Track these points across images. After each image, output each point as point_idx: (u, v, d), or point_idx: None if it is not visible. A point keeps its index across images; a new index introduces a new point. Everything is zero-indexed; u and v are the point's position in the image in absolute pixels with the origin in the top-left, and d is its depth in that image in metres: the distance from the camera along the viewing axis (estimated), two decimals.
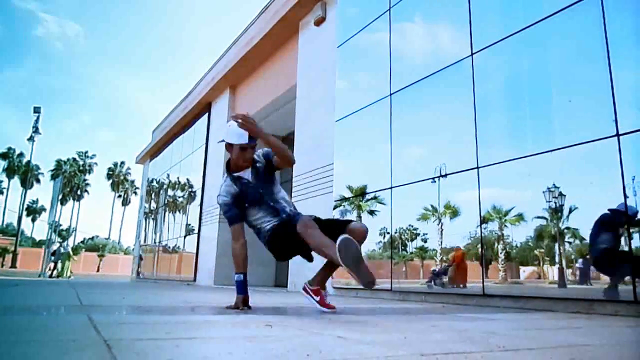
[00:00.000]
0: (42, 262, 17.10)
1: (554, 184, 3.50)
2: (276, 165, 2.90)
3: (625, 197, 2.99)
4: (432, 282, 5.17)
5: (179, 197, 13.11)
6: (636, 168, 2.98)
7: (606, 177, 3.14)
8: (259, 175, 2.87)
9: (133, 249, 17.94)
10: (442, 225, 4.60)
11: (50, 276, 15.98)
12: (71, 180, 61.06)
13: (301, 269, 6.64)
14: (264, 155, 2.93)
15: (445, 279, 4.83)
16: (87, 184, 64.22)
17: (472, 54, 4.38)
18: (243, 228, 2.86)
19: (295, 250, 2.81)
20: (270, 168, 2.91)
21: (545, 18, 3.75)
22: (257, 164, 2.90)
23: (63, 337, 1.41)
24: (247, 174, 2.86)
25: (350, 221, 2.82)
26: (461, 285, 4.61)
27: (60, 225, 57.65)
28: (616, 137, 3.08)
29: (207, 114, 11.77)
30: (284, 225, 2.77)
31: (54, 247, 17.34)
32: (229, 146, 2.81)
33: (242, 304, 2.73)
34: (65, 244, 18.18)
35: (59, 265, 16.20)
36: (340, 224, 2.74)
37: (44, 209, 59.73)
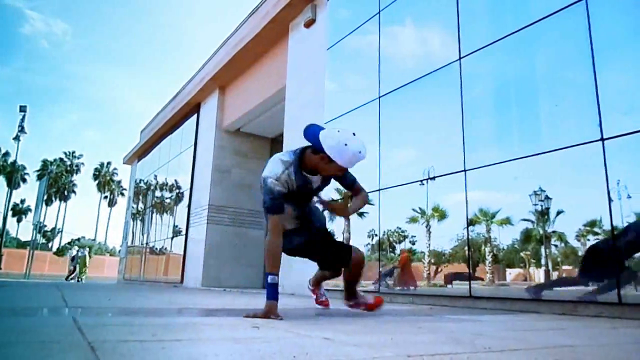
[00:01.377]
0: (26, 264, 17.07)
1: (540, 187, 3.55)
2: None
3: (610, 200, 3.04)
4: (379, 284, 5.43)
5: (167, 198, 13.01)
6: (620, 172, 3.03)
7: (591, 181, 3.19)
8: (320, 188, 2.70)
9: (119, 251, 17.90)
10: (430, 228, 4.63)
11: (66, 278, 16.69)
12: (57, 181, 60.25)
13: (288, 272, 6.62)
14: (346, 180, 2.73)
15: (391, 281, 5.06)
16: (74, 185, 63.43)
17: (460, 58, 4.42)
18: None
19: (309, 256, 3.05)
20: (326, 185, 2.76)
21: (533, 23, 3.80)
22: (328, 182, 2.70)
23: (47, 339, 1.39)
24: (315, 179, 2.60)
25: (352, 248, 2.94)
26: (411, 287, 4.80)
27: (45, 226, 56.92)
28: (601, 142, 3.13)
29: (196, 114, 11.71)
30: (316, 234, 2.92)
31: (73, 252, 17.74)
32: (325, 154, 2.38)
33: (274, 313, 2.23)
34: (82, 249, 18.43)
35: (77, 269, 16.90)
36: (346, 252, 2.91)
37: (30, 210, 58.79)
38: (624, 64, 3.26)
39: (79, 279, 16.56)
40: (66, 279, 16.79)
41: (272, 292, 2.30)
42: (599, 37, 3.29)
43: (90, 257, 17.47)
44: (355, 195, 2.80)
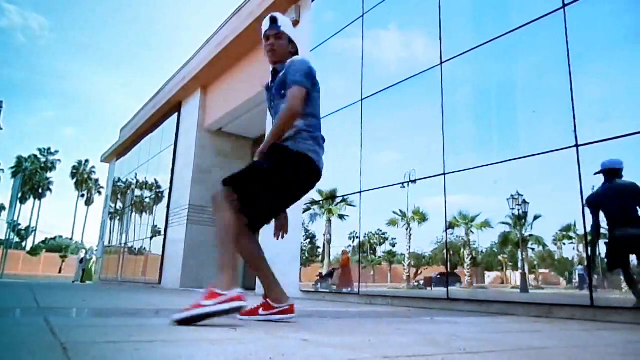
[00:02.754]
0: None
1: (517, 192, 3.61)
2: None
3: (584, 206, 3.11)
4: (319, 285, 5.54)
5: (146, 197, 12.83)
6: (594, 178, 3.11)
7: (567, 186, 3.26)
8: (276, 88, 2.38)
9: (96, 250, 17.61)
10: (410, 230, 4.67)
11: (75, 281, 16.53)
12: (32, 178, 58.77)
13: None
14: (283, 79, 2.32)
15: (331, 281, 5.18)
16: (50, 182, 61.98)
17: (441, 63, 4.47)
18: None
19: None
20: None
21: (512, 31, 3.88)
22: (275, 78, 2.41)
23: (16, 340, 1.35)
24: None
25: None
26: (349, 288, 4.92)
27: (20, 224, 55.45)
28: (575, 148, 3.20)
29: (177, 113, 11.58)
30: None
31: (81, 254, 17.59)
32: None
33: None
34: (90, 251, 18.13)
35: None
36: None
37: (4, 208, 57.25)
38: (599, 74, 3.34)
39: (83, 281, 16.31)
40: (74, 281, 16.53)
41: None
42: (575, 46, 3.37)
43: (96, 258, 17.12)
44: None
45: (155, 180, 12.31)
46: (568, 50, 3.38)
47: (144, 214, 12.84)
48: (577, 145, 3.20)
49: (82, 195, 64.05)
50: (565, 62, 3.38)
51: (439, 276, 4.92)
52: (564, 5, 3.47)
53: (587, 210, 3.10)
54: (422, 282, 4.60)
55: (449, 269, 4.14)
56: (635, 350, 1.71)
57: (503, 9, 4.15)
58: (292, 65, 2.35)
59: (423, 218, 4.53)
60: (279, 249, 6.65)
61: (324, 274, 5.73)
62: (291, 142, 2.24)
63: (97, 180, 63.96)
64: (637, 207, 3.03)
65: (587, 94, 3.27)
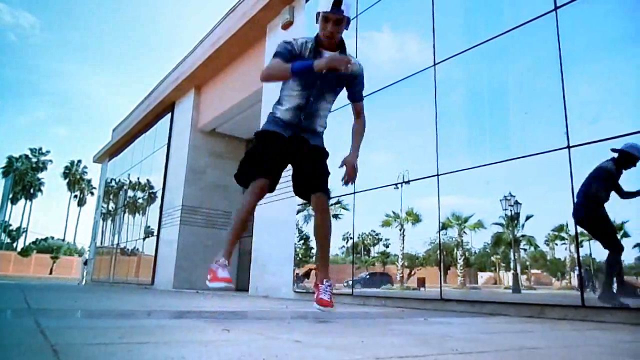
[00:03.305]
0: None
1: (510, 192, 3.63)
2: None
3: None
4: (296, 285, 5.60)
5: (139, 198, 12.76)
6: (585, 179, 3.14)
7: (559, 187, 3.28)
8: (327, 77, 2.50)
9: (88, 251, 17.52)
10: (404, 231, 4.68)
11: (80, 282, 16.63)
12: (23, 178, 58.24)
13: (263, 273, 6.58)
14: (354, 86, 2.70)
15: (308, 282, 5.22)
16: (41, 183, 61.45)
17: (434, 64, 4.49)
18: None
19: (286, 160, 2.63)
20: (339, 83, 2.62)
21: (505, 33, 3.90)
22: (335, 74, 2.47)
23: (6, 342, 1.34)
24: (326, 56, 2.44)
25: (322, 188, 2.68)
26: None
27: (10, 225, 54.95)
28: (567, 149, 3.23)
29: (170, 113, 11.53)
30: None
31: (86, 256, 17.59)
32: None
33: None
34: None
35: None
36: (315, 181, 2.66)
37: None
38: (590, 76, 3.37)
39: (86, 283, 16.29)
40: (80, 283, 16.50)
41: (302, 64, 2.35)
42: (567, 48, 3.40)
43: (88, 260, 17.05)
44: (355, 117, 2.85)
45: (148, 180, 12.24)
46: (560, 52, 3.40)
47: (136, 214, 12.77)
48: (568, 147, 3.22)
49: (75, 196, 63.61)
50: (557, 63, 3.40)
51: (368, 276, 4.99)
52: (556, 8, 3.50)
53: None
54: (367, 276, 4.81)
55: (442, 270, 4.16)
56: (626, 350, 1.73)
57: (496, 11, 4.17)
58: (362, 75, 2.68)
59: (416, 219, 4.54)
60: (272, 250, 6.66)
61: (300, 274, 5.77)
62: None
63: (89, 181, 63.58)
64: (596, 186, 3.09)
65: (579, 96, 3.30)
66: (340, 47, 2.54)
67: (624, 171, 2.97)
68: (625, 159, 2.96)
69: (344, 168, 2.78)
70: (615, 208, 3.00)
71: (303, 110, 2.58)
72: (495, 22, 4.05)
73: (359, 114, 2.84)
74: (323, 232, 2.58)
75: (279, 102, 2.66)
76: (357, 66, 2.61)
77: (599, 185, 3.09)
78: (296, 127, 2.61)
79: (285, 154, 2.59)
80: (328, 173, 2.69)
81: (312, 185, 2.57)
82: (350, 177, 2.80)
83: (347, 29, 2.56)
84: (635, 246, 2.90)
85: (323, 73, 2.37)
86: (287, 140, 2.57)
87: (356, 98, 2.77)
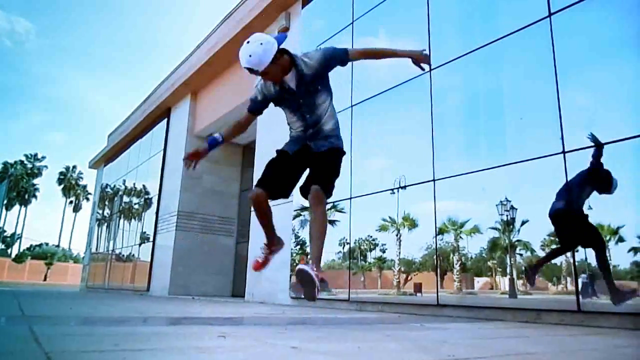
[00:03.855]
0: None
1: (506, 197, 3.64)
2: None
3: None
4: (292, 291, 5.68)
5: (135, 204, 12.71)
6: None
7: (554, 192, 3.30)
8: (303, 88, 2.63)
9: (83, 257, 17.38)
10: (400, 236, 4.68)
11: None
12: (18, 184, 57.91)
13: (259, 279, 6.56)
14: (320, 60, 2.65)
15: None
16: (36, 189, 61.12)
17: (430, 70, 4.51)
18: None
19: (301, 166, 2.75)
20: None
21: (500, 39, 3.93)
22: (305, 78, 2.61)
23: (0, 350, 1.33)
24: (290, 79, 2.63)
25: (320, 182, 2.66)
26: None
27: (5, 231, 54.57)
28: (562, 154, 3.24)
29: (166, 119, 11.51)
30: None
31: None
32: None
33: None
34: None
35: None
36: (315, 179, 2.65)
37: None
38: (584, 82, 3.40)
39: None
40: None
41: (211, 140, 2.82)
42: (561, 54, 3.42)
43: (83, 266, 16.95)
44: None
45: (144, 186, 12.20)
46: (555, 58, 3.43)
47: (132, 220, 12.71)
48: (564, 152, 3.24)
49: (70, 202, 63.28)
50: (552, 69, 3.43)
51: None
52: (550, 14, 3.53)
53: None
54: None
55: (439, 275, 4.16)
56: (621, 355, 1.73)
57: (491, 17, 4.21)
58: (324, 64, 2.68)
59: (413, 224, 4.55)
60: None
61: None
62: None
63: (85, 187, 63.27)
64: (576, 186, 3.17)
65: (574, 102, 3.32)
66: (291, 66, 2.61)
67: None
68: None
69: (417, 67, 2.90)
70: (610, 212, 3.01)
71: (307, 128, 2.72)
72: (490, 29, 4.08)
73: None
74: (314, 227, 2.58)
75: (289, 127, 2.91)
76: (304, 64, 2.63)
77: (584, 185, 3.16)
78: (305, 140, 2.75)
79: (292, 165, 2.74)
80: (331, 172, 2.67)
81: (310, 184, 2.58)
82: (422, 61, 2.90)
83: (288, 55, 2.64)
84: (630, 250, 2.91)
85: (296, 92, 2.60)
86: (293, 155, 2.71)
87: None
